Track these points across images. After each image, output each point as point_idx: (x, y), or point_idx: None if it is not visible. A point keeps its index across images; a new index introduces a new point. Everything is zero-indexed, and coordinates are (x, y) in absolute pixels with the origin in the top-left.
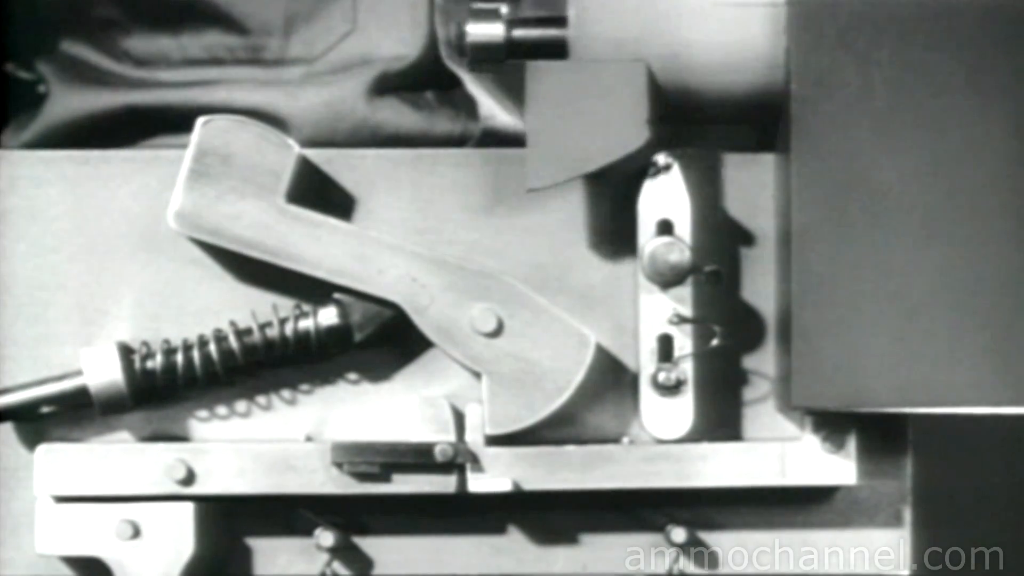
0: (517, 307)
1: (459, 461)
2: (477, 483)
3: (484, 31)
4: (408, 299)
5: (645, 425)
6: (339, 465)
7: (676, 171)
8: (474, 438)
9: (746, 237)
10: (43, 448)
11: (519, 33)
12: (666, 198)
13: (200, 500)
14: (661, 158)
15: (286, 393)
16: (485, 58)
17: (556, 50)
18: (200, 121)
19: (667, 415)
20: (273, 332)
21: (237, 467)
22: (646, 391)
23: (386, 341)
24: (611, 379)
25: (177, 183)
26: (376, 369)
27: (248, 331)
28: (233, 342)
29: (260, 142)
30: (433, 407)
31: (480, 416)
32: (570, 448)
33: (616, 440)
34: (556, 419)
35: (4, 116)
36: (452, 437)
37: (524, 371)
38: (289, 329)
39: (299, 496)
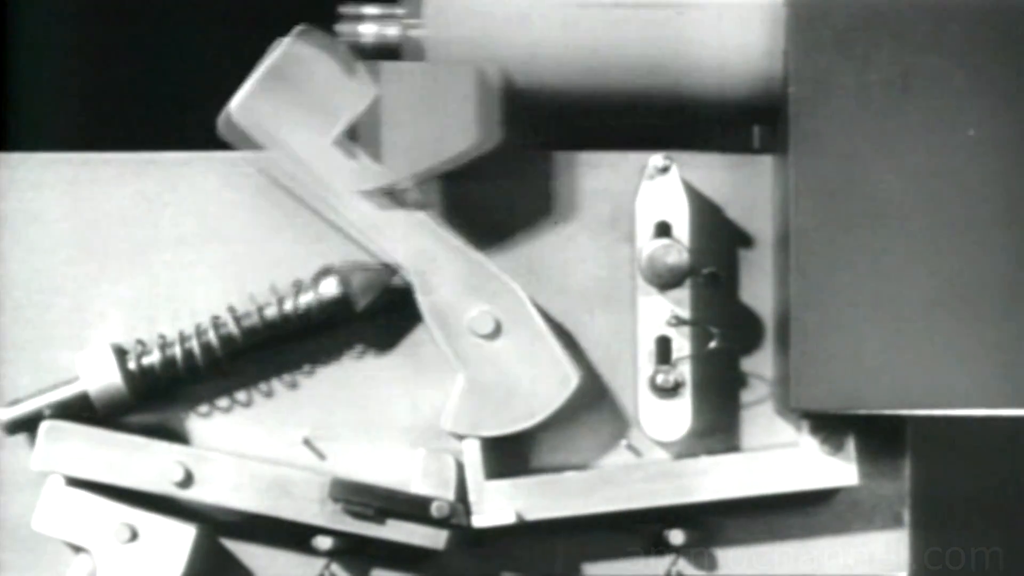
0: (518, 322)
1: (454, 521)
2: (480, 518)
3: (351, 31)
4: (419, 275)
5: (643, 428)
6: (336, 499)
7: (674, 173)
8: (474, 477)
9: (744, 239)
10: (47, 425)
11: (388, 32)
12: (664, 200)
13: (195, 509)
14: (659, 159)
15: (287, 394)
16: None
17: (409, 52)
18: (297, 30)
19: (665, 417)
20: (272, 311)
21: (234, 482)
22: (644, 394)
23: (387, 310)
24: (594, 411)
25: (251, 77)
26: (377, 372)
27: (247, 314)
28: (232, 327)
29: (344, 76)
30: (438, 462)
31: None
32: (570, 475)
33: (613, 444)
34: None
35: (4, 118)
36: (452, 495)
37: (501, 384)
38: (289, 305)
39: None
